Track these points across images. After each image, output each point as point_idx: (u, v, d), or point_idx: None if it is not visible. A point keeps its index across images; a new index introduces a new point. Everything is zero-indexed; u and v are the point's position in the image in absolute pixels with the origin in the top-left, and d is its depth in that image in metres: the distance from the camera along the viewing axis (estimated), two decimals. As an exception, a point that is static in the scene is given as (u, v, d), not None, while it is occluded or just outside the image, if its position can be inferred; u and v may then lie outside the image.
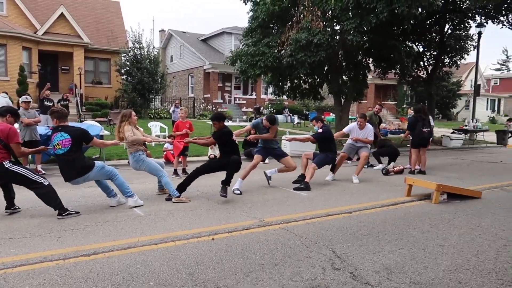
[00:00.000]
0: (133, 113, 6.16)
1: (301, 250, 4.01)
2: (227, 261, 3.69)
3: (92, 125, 10.20)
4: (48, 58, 22.64)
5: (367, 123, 8.29)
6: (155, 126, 13.56)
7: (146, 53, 22.75)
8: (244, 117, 24.61)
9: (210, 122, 17.21)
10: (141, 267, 3.53)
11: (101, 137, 9.42)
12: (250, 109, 27.14)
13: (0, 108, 5.41)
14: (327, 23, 13.90)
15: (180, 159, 8.77)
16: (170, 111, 16.07)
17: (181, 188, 6.04)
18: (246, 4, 16.08)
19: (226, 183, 6.01)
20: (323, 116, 23.18)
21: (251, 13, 15.87)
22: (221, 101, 28.12)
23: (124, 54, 22.92)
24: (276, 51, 14.94)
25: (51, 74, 23.13)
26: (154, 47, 24.00)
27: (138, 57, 22.41)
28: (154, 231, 4.56)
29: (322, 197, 6.53)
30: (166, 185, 6.00)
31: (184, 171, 8.53)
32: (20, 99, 8.85)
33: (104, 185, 5.65)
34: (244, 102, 28.68)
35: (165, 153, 10.35)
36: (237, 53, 16.03)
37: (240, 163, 6.20)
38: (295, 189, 7.06)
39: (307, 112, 28.27)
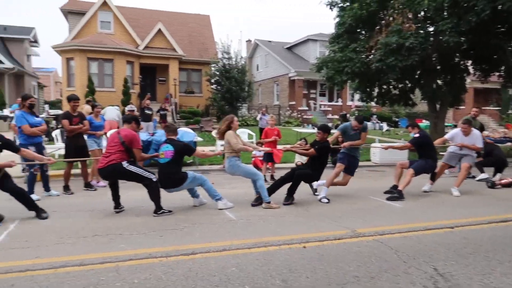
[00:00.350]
0: (235, 118, 6.36)
1: (398, 265, 3.79)
2: (320, 271, 3.64)
3: (186, 132, 10.83)
4: (147, 71, 24.75)
5: (472, 129, 7.58)
6: (243, 133, 13.96)
7: (234, 63, 23.68)
8: (330, 124, 24.19)
9: (296, 129, 17.28)
10: (236, 270, 3.64)
11: (195, 143, 9.96)
12: (336, 116, 26.65)
13: (127, 115, 6.16)
14: (419, 25, 13.13)
15: (268, 166, 8.91)
16: (257, 118, 16.46)
17: (270, 192, 6.19)
18: (332, 10, 15.91)
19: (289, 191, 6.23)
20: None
21: (337, 19, 15.65)
22: (306, 108, 28.05)
23: (214, 65, 24.12)
24: (363, 56, 14.52)
25: (150, 85, 25.25)
26: (241, 57, 24.87)
27: (227, 67, 23.41)
28: (246, 235, 4.68)
29: (418, 209, 6.12)
30: (260, 189, 6.07)
31: (272, 177, 8.64)
32: (126, 108, 9.80)
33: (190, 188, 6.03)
34: (330, 109, 28.25)
35: (253, 159, 10.59)
36: (323, 60, 15.90)
37: (309, 177, 6.37)
38: (388, 199, 6.74)
39: (397, 119, 26.90)
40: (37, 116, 6.75)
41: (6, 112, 19.54)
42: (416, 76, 15.08)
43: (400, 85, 16.39)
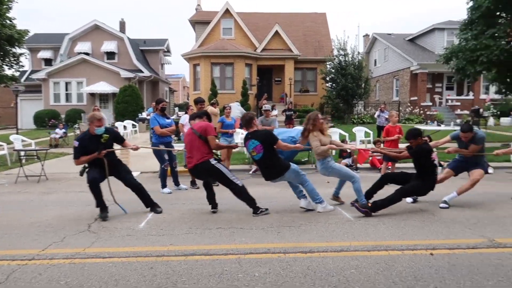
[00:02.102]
0: (319, 116, 5.86)
1: (551, 284, 3.22)
2: (451, 282, 3.29)
3: (301, 131, 10.90)
4: (264, 72, 25.66)
5: None
6: (359, 131, 13.50)
7: (350, 59, 23.01)
8: (458, 121, 21.82)
9: (418, 126, 16.01)
10: (355, 272, 3.52)
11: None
12: (466, 112, 23.90)
13: (197, 111, 6.45)
14: None
15: (388, 165, 8.44)
16: (375, 115, 15.72)
17: (369, 195, 5.79)
18: (464, -7, 14.30)
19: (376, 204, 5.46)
20: None
21: (471, 3, 14.00)
22: (430, 103, 25.75)
23: (329, 62, 23.79)
24: (504, 42, 12.72)
25: (266, 86, 26.12)
26: (358, 52, 24.06)
27: (343, 63, 22.87)
28: (365, 237, 4.50)
29: None
30: (356, 191, 5.69)
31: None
32: (264, 107, 10.42)
33: (294, 185, 5.80)
34: (459, 103, 25.45)
35: (371, 158, 10.16)
36: (453, 50, 14.42)
37: (420, 190, 5.63)
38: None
39: (545, 113, 22.90)
40: (168, 118, 7.52)
41: (144, 115, 22.27)
42: None
43: (551, 74, 13.95)
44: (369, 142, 13.12)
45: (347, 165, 9.96)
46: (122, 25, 31.38)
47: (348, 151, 10.13)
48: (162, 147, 7.18)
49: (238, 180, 5.62)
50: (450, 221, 5.13)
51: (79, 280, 3.41)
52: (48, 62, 29.42)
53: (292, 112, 17.16)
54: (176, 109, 27.47)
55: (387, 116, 12.91)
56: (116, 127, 17.83)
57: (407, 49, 28.22)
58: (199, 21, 27.03)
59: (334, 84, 23.35)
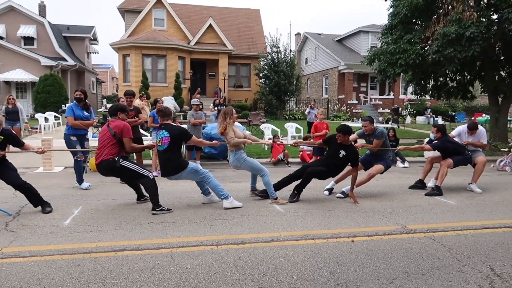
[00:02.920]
0: (234, 110, 6.07)
1: (451, 263, 3.67)
2: (368, 265, 3.61)
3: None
4: (198, 66, 25.39)
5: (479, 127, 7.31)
6: (291, 127, 13.97)
7: (283, 56, 23.63)
8: (381, 119, 23.55)
9: (345, 123, 16.99)
10: (284, 260, 3.71)
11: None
12: (387, 110, 25.83)
13: (111, 106, 5.97)
14: (481, 13, 12.35)
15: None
16: (306, 112, 16.37)
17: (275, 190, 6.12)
18: (386, 0, 15.38)
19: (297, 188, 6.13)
20: (473, 118, 20.61)
21: (391, 9, 15.11)
22: (356, 102, 27.42)
23: (262, 59, 24.22)
24: (419, 47, 13.91)
25: (200, 80, 25.88)
26: (290, 50, 24.77)
27: (276, 60, 23.41)
28: (294, 227, 4.73)
29: (475, 208, 5.84)
30: (267, 185, 5.91)
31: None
32: (192, 101, 10.21)
33: (200, 183, 5.81)
34: (381, 102, 27.41)
35: (301, 153, 10.59)
36: (375, 52, 15.43)
37: (322, 174, 6.13)
38: (426, 194, 6.63)
39: (453, 113, 25.54)
40: (89, 111, 7.00)
41: (68, 106, 20.92)
42: (477, 68, 14.22)
43: (458, 77, 15.55)
44: (299, 137, 13.64)
45: (279, 160, 10.30)
46: (42, 8, 29.00)
47: (310, 147, 10.43)
48: (74, 138, 6.78)
49: (149, 172, 5.53)
50: (370, 210, 5.58)
51: (-3, 281, 3.19)
52: (-47, 44, 26.31)
53: (224, 107, 17.21)
54: (104, 100, 26.15)
55: (316, 113, 13.50)
56: (37, 119, 16.55)
57: (335, 49, 29.66)
58: (129, 10, 25.93)
59: (267, 81, 23.83)
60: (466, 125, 7.55)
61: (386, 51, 14.42)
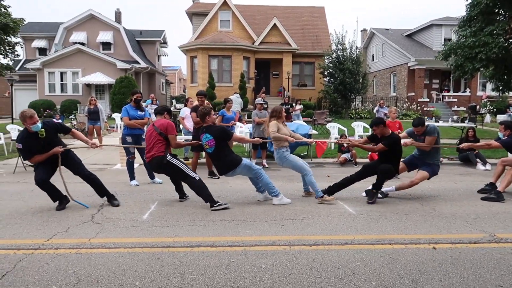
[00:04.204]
0: (284, 109, 6.23)
1: (553, 279, 3.28)
2: (454, 275, 3.34)
3: (301, 125, 10.94)
4: (262, 65, 25.58)
5: None
6: (358, 126, 13.55)
7: (348, 54, 23.01)
8: (455, 117, 21.98)
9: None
10: (361, 265, 3.56)
11: (310, 135, 9.97)
12: (463, 108, 24.09)
13: (157, 107, 6.28)
14: None
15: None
16: (374, 111, 15.80)
17: (331, 191, 5.96)
18: (464, -11, 14.35)
19: (375, 187, 5.83)
20: None
21: (469, 0, 14.06)
22: (427, 99, 25.89)
23: (327, 57, 23.78)
24: (502, 40, 12.80)
25: (264, 79, 26.07)
26: (357, 47, 24.04)
27: (341, 58, 22.86)
28: (368, 231, 4.54)
29: None
30: (310, 184, 5.89)
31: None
32: (256, 100, 10.38)
33: (254, 181, 5.92)
34: (455, 100, 25.61)
35: (370, 153, 10.21)
36: (451, 46, 14.49)
37: (391, 171, 5.81)
38: (482, 199, 6.10)
39: (540, 111, 23.10)
40: (142, 111, 7.33)
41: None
42: None
43: (548, 71, 14.07)
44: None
45: (346, 160, 10.03)
46: (118, 15, 31.08)
47: (345, 145, 10.19)
48: (129, 139, 7.15)
49: (195, 174, 5.67)
50: (451, 216, 5.19)
51: (87, 269, 3.43)
52: (42, 51, 29.12)
53: (289, 106, 17.18)
54: (174, 101, 27.35)
55: (386, 112, 12.97)
56: (114, 119, 17.74)
57: (404, 45, 28.27)
58: (196, 13, 26.84)
59: (332, 79, 23.36)
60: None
61: (464, 45, 13.48)
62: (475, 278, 3.30)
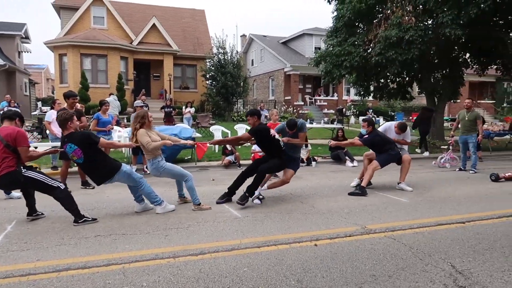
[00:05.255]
0: (149, 113, 5.57)
1: (414, 263, 3.67)
2: (335, 270, 3.50)
3: (184, 128, 10.66)
4: (141, 66, 24.40)
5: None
6: (241, 129, 13.81)
7: (229, 58, 23.42)
8: (326, 119, 24.13)
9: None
10: (248, 270, 3.49)
11: (193, 139, 9.76)
12: (332, 111, 26.58)
13: (8, 111, 5.27)
14: (419, 18, 13.03)
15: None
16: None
17: (231, 191, 6.03)
18: (330, 3, 15.78)
19: (248, 190, 5.81)
20: (411, 117, 21.77)
21: (335, 13, 15.51)
22: (302, 103, 27.92)
23: (209, 60, 23.85)
24: (362, 50, 14.39)
25: (144, 81, 24.90)
26: (237, 51, 24.62)
27: (222, 62, 23.15)
28: (254, 233, 4.53)
29: (426, 205, 6.02)
30: (190, 190, 5.54)
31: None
32: (135, 103, 9.66)
33: (133, 189, 5.46)
34: (326, 103, 28.15)
35: (253, 155, 10.44)
36: (321, 54, 15.75)
37: (271, 168, 6.04)
38: (350, 194, 6.67)
39: (393, 113, 26.87)
40: None
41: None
42: (415, 70, 15.00)
43: (398, 79, 16.31)
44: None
45: (230, 162, 10.08)
46: (-35, 2, 26.40)
47: (229, 148, 10.26)
48: None
49: (59, 183, 4.98)
50: (328, 212, 5.53)
51: None
52: None
53: (171, 109, 16.70)
54: (39, 103, 24.30)
55: (266, 114, 13.47)
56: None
57: (281, 51, 30.02)
58: (65, 6, 24.31)
59: (214, 82, 23.50)
60: (393, 122, 7.77)
61: (332, 53, 14.77)
62: (352, 270, 3.50)
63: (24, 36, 29.97)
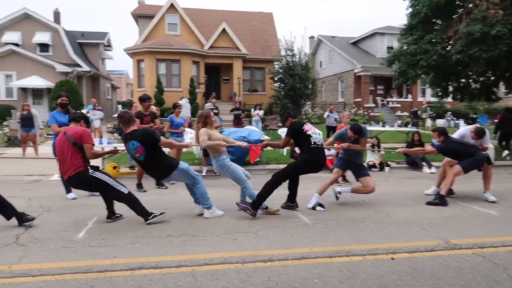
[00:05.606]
0: (211, 113, 5.68)
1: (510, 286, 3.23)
2: (416, 288, 3.19)
3: (253, 131, 10.69)
4: (212, 70, 25.14)
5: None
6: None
7: (297, 60, 23.23)
8: (399, 122, 22.92)
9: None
10: (319, 282, 3.31)
11: (261, 141, 9.73)
12: (406, 113, 25.18)
13: (74, 114, 5.49)
14: (508, 12, 11.79)
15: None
16: (325, 116, 15.96)
17: (261, 199, 5.40)
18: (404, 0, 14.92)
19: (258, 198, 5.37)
20: (496, 120, 19.84)
21: (410, 9, 14.63)
22: (373, 105, 26.82)
23: (277, 62, 23.86)
24: (440, 48, 13.39)
25: (214, 84, 25.64)
26: (305, 53, 24.34)
27: (290, 64, 23.02)
28: (325, 242, 4.33)
29: (520, 218, 5.35)
30: (251, 197, 5.40)
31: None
32: (206, 106, 9.92)
33: (192, 190, 5.47)
34: (399, 105, 26.76)
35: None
36: (395, 54, 14.95)
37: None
38: (427, 203, 6.14)
39: (475, 116, 24.73)
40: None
41: (84, 112, 20.89)
42: (503, 68, 13.61)
43: (482, 78, 14.92)
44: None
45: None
46: (57, 15, 29.18)
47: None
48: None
49: (124, 187, 5.07)
50: (405, 222, 5.13)
51: (3, 307, 2.88)
52: (-29, 52, 26.60)
53: (241, 112, 16.94)
54: (119, 106, 26.11)
55: (336, 116, 13.07)
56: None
57: (350, 52, 29.14)
58: (142, 15, 25.88)
59: (282, 84, 23.45)
60: (469, 127, 6.99)
61: (407, 52, 13.94)
62: (436, 290, 3.16)
63: (106, 44, 32.46)
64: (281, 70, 23.45)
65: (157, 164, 5.12)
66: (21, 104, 12.15)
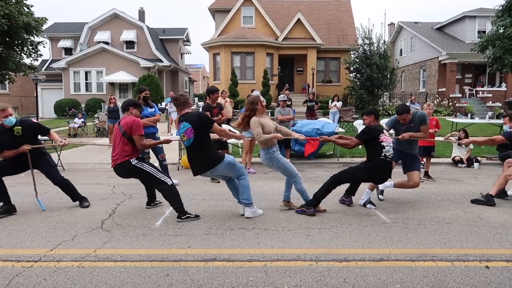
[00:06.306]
0: (262, 98, 5.19)
1: None
2: (517, 304, 2.78)
3: (327, 123, 10.37)
4: (285, 61, 25.01)
5: None
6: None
7: (375, 48, 22.09)
8: (490, 113, 20.76)
9: (448, 119, 15.20)
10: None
11: (336, 133, 9.39)
12: (498, 104, 22.77)
13: (123, 103, 5.44)
14: None
15: (421, 160, 7.83)
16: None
17: (317, 200, 5.08)
18: (502, -24, 13.37)
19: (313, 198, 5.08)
20: None
21: (509, -13, 13.08)
22: (460, 95, 24.63)
23: (353, 52, 22.95)
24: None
25: (288, 76, 25.49)
26: (384, 41, 23.06)
27: (368, 53, 21.98)
28: (406, 243, 3.99)
29: None
30: (300, 192, 5.12)
31: (426, 174, 7.55)
32: (279, 97, 9.80)
33: (234, 185, 5.13)
34: (490, 95, 24.25)
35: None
36: (488, 38, 13.53)
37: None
38: (472, 201, 5.54)
39: None
40: (152, 107, 6.89)
41: (163, 104, 22.03)
42: None
43: None
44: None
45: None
46: (142, 14, 31.13)
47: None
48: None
49: (168, 179, 4.98)
50: (500, 226, 4.56)
51: (87, 288, 3.05)
52: (68, 51, 29.44)
53: (314, 103, 16.57)
54: (196, 99, 27.17)
55: (418, 107, 12.20)
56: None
57: (435, 38, 27.02)
58: (218, 9, 26.50)
59: (358, 74, 22.52)
60: None
61: (503, 36, 12.54)
62: (543, 308, 2.72)
63: (185, 39, 33.89)
64: (357, 60, 22.51)
65: (202, 153, 4.74)
66: (108, 97, 13.12)
